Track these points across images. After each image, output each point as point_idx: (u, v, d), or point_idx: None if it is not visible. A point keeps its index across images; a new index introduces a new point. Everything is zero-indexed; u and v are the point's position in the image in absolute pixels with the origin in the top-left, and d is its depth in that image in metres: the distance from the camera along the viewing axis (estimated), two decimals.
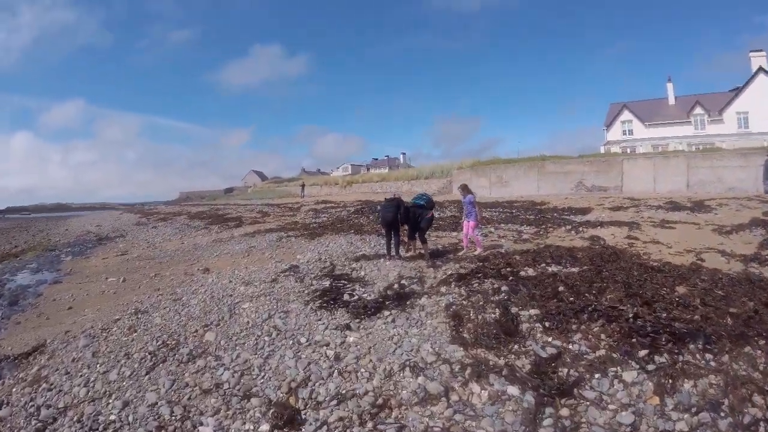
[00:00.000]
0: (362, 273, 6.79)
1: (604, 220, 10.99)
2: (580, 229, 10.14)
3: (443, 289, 5.63)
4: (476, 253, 7.83)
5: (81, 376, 4.17)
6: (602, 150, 34.62)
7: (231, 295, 6.23)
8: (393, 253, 7.45)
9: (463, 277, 5.94)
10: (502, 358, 3.78)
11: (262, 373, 3.89)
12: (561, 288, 5.21)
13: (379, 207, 7.37)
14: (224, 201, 45.84)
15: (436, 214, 9.27)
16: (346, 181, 41.76)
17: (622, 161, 17.93)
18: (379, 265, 7.13)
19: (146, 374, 4.07)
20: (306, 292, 6.02)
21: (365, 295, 5.69)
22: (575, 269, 6.13)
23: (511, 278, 5.76)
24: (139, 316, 5.78)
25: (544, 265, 6.49)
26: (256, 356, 4.19)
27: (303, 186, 40.03)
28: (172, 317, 5.53)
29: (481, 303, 5.00)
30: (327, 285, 6.22)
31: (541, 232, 9.95)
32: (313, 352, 4.18)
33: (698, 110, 33.18)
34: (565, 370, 3.47)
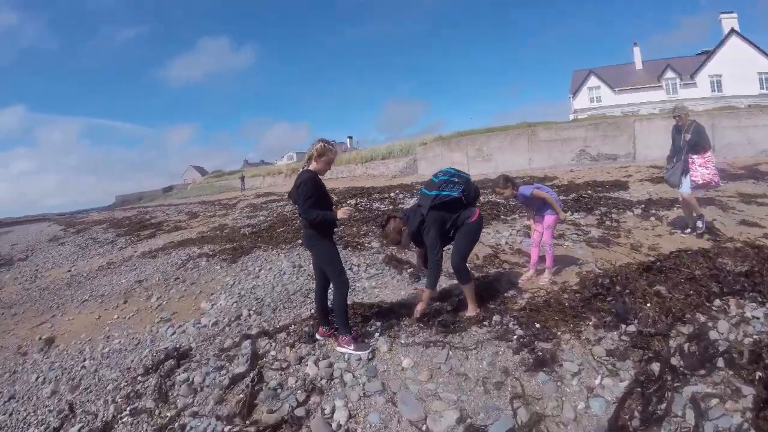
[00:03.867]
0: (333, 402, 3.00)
1: (659, 198, 7.83)
2: (653, 211, 6.89)
3: None
4: (544, 280, 4.21)
5: None
6: (571, 118, 32.54)
7: None
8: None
9: None
10: None
11: None
12: None
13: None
14: (160, 201, 40.43)
15: None
16: (290, 169, 37.04)
17: (633, 123, 15.10)
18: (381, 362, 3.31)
19: None
20: None
21: None
22: None
23: None
24: None
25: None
26: None
27: (243, 178, 36.25)
28: None
29: None
30: None
31: (606, 223, 6.50)
32: None
33: (669, 74, 31.98)
34: None
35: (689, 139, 5.52)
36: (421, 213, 3.49)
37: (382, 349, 3.17)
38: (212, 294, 5.26)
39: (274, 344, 3.44)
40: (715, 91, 29.91)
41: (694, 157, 5.44)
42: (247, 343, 3.53)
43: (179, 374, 3.26)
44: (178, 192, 58.07)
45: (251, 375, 2.99)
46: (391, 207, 9.50)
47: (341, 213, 3.06)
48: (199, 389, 3.02)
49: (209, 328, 4.14)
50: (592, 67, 36.39)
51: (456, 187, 3.54)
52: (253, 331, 3.83)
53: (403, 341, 3.25)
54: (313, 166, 3.16)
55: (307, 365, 3.05)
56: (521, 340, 3.07)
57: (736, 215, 6.40)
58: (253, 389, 2.82)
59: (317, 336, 3.45)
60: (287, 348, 3.34)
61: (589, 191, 9.19)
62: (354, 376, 2.90)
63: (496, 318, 3.44)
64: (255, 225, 10.28)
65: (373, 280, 4.87)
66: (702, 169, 5.43)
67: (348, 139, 69.99)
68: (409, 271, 5.04)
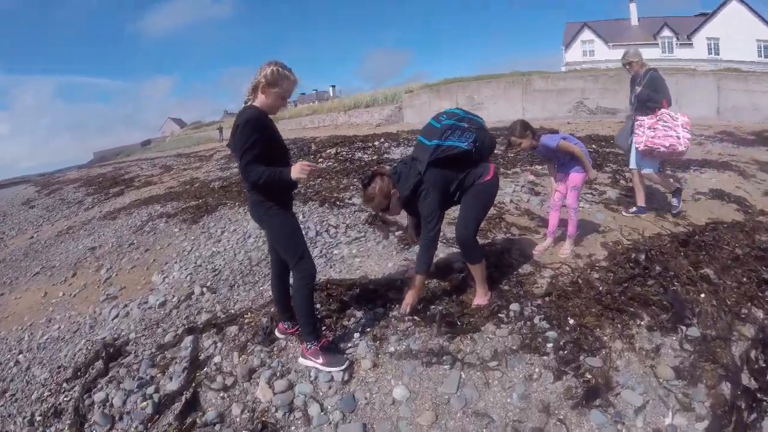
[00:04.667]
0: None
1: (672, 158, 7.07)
2: (668, 172, 6.15)
3: None
4: (566, 252, 3.39)
5: None
6: (563, 71, 31.30)
7: None
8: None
9: None
10: None
11: None
12: None
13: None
14: (138, 156, 37.94)
15: None
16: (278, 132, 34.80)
17: None
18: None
19: None
20: None
21: None
22: None
23: None
24: None
25: None
26: None
27: (221, 129, 34.37)
28: None
29: None
30: None
31: (621, 182, 5.77)
32: None
33: (666, 32, 30.83)
34: None
35: (639, 92, 4.27)
36: (417, 170, 2.51)
37: (363, 364, 2.26)
38: (166, 263, 4.36)
39: (220, 345, 2.54)
40: (712, 53, 29.04)
41: (644, 118, 4.07)
42: (188, 340, 2.62)
43: (97, 392, 2.37)
44: (156, 145, 55.70)
45: (184, 396, 2.11)
46: (375, 157, 8.40)
47: (296, 171, 2.00)
48: (117, 417, 2.13)
49: (155, 310, 3.32)
50: (587, 20, 34.79)
51: (465, 135, 2.53)
52: (202, 318, 2.96)
53: (393, 348, 2.35)
54: (259, 100, 2.12)
55: (258, 385, 2.16)
56: (560, 352, 2.22)
57: (759, 185, 5.71)
58: (183, 422, 1.94)
59: (277, 333, 2.55)
60: (236, 352, 2.43)
61: (593, 146, 8.35)
62: (322, 408, 2.03)
63: (514, 308, 2.61)
64: (226, 178, 9.10)
65: (354, 245, 3.96)
66: (649, 131, 4.07)
67: (331, 88, 68.17)
68: (397, 234, 4.14)
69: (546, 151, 3.43)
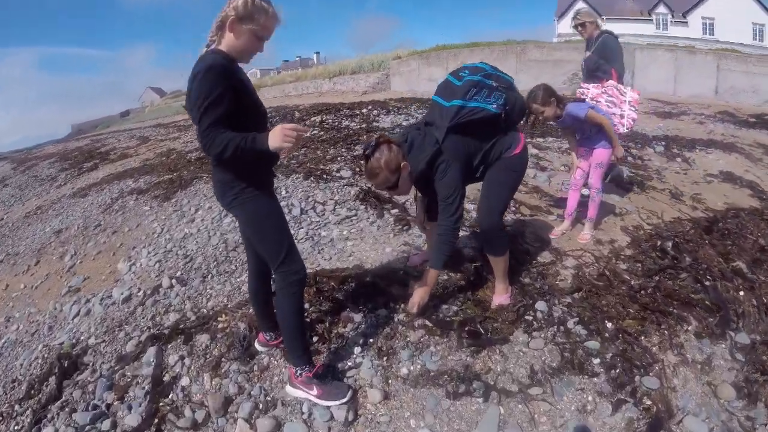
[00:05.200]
0: None
1: (675, 136, 6.77)
2: (675, 151, 5.89)
3: None
4: (586, 237, 3.02)
5: None
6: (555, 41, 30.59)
7: None
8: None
9: None
10: None
11: None
12: None
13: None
14: (116, 127, 35.68)
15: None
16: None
17: (634, 51, 13.52)
18: None
19: None
20: None
21: None
22: None
23: None
24: None
25: None
26: None
27: None
28: None
29: None
30: None
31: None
32: None
33: (661, 9, 30.33)
34: None
35: (587, 58, 3.73)
36: (434, 138, 2.00)
37: (371, 396, 1.75)
38: (134, 248, 3.78)
39: (188, 362, 2.06)
40: (706, 33, 28.79)
41: (588, 86, 3.35)
42: (152, 352, 2.14)
43: (47, 424, 1.89)
44: (135, 116, 53.27)
45: None
46: (364, 125, 7.78)
47: (276, 138, 1.42)
48: None
49: (119, 306, 2.81)
50: None
51: (494, 95, 2.03)
52: (170, 320, 2.47)
53: (405, 370, 1.86)
54: (227, 41, 1.54)
55: (236, 423, 1.67)
56: (611, 371, 1.82)
57: (767, 169, 5.46)
58: None
59: (257, 346, 2.06)
60: (207, 374, 1.95)
61: None
62: None
63: (540, 307, 2.21)
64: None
65: (345, 226, 3.47)
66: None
67: (315, 55, 65.00)
68: (393, 212, 3.67)
69: (572, 122, 2.97)
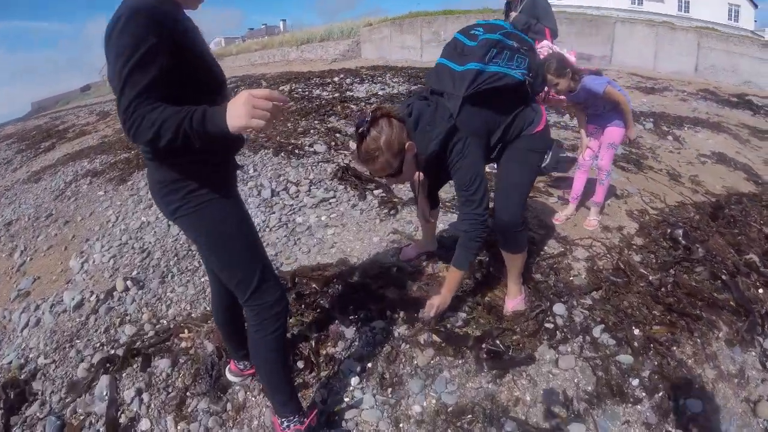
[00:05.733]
0: None
1: (662, 113, 6.64)
2: (665, 128, 5.77)
3: None
4: (593, 224, 2.70)
5: None
6: None
7: None
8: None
9: None
10: None
11: None
12: None
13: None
14: (77, 103, 32.37)
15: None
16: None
17: (614, 24, 13.29)
18: None
19: None
20: None
21: None
22: None
23: None
24: None
25: None
26: None
27: None
28: None
29: None
30: None
31: None
32: None
33: None
34: None
35: (514, 18, 3.33)
36: (448, 111, 1.56)
37: None
38: (87, 240, 3.24)
39: (147, 398, 1.62)
40: (681, 10, 29.08)
41: None
42: (104, 383, 1.69)
43: None
44: (96, 90, 48.89)
45: None
46: (337, 95, 7.16)
47: (238, 111, 0.88)
48: None
49: (69, 315, 2.35)
50: None
51: (517, 59, 1.63)
52: (125, 334, 2.02)
53: (418, 407, 1.47)
54: None
55: None
56: (654, 396, 1.52)
57: (757, 151, 5.38)
58: None
59: (228, 376, 1.63)
60: (171, 416, 1.52)
61: None
62: None
63: (558, 311, 1.90)
64: None
65: (323, 210, 3.02)
66: None
67: (281, 23, 62.20)
68: (377, 193, 3.26)
69: (587, 97, 2.61)
